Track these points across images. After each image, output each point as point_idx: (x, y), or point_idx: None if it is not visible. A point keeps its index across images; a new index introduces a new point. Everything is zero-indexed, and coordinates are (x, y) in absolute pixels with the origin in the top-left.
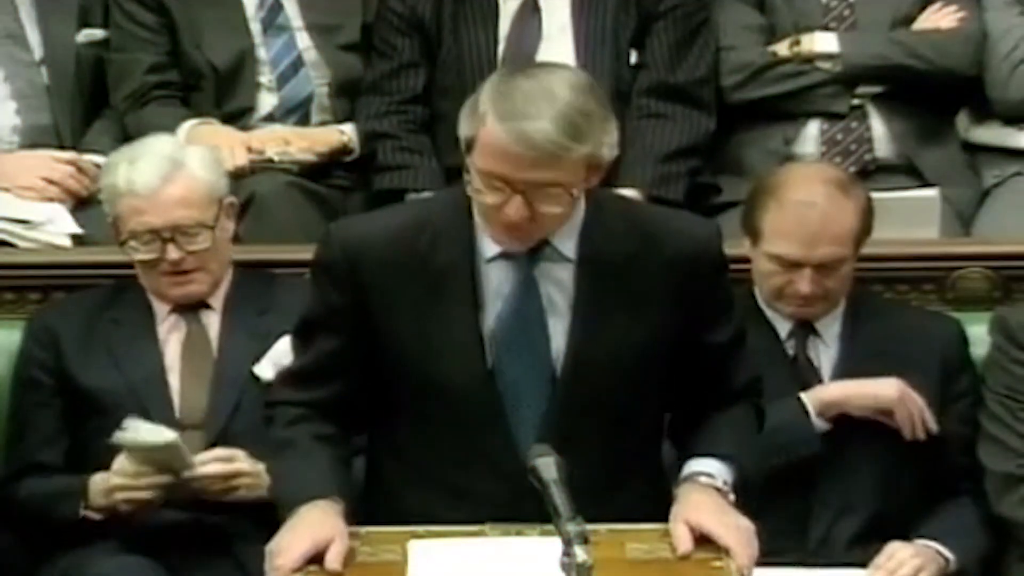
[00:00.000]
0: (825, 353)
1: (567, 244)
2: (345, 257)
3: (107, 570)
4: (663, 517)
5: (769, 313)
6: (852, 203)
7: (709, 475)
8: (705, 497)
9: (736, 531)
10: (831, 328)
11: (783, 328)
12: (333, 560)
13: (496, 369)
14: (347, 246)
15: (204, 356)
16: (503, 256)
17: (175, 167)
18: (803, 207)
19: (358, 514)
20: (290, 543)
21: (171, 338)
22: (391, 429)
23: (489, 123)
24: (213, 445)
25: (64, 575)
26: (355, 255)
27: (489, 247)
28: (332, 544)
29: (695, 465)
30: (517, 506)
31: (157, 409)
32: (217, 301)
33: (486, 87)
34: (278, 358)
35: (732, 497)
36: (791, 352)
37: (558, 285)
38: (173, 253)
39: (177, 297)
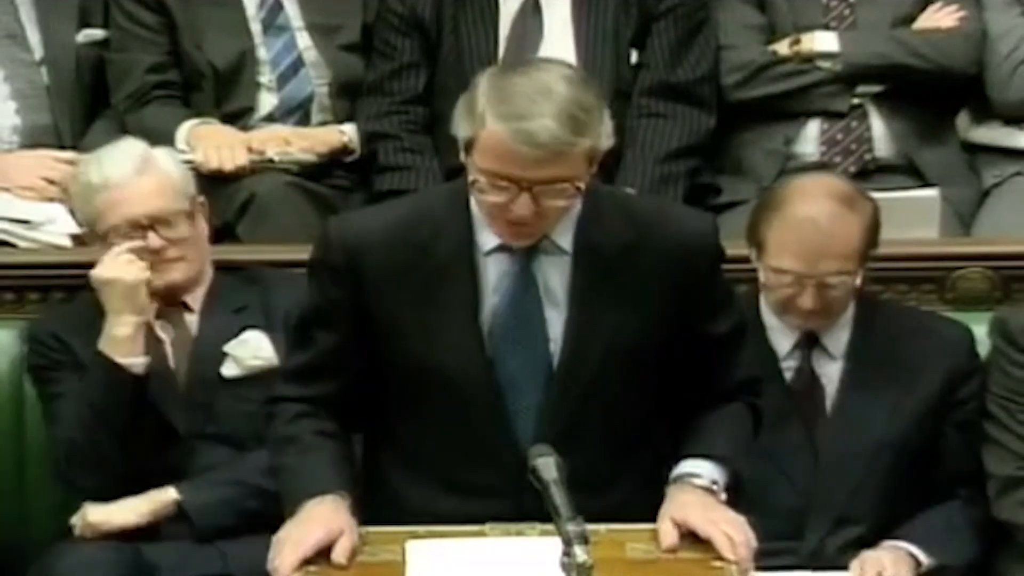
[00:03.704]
0: (831, 365)
1: (564, 237)
2: (345, 252)
3: (85, 559)
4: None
5: (772, 329)
6: (857, 219)
7: (698, 475)
8: (692, 496)
9: (723, 525)
10: (838, 340)
11: (787, 342)
12: (341, 554)
13: (494, 361)
14: (347, 241)
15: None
16: (501, 249)
17: (145, 161)
18: (806, 223)
19: (358, 509)
20: (301, 535)
21: (160, 342)
22: (390, 422)
23: (489, 124)
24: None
25: (45, 565)
26: (355, 250)
27: (487, 240)
28: (341, 538)
29: (685, 466)
30: (517, 497)
31: None
32: (196, 303)
33: (481, 87)
34: (239, 353)
35: (723, 497)
36: (792, 367)
37: (555, 277)
38: (155, 241)
39: (159, 287)
